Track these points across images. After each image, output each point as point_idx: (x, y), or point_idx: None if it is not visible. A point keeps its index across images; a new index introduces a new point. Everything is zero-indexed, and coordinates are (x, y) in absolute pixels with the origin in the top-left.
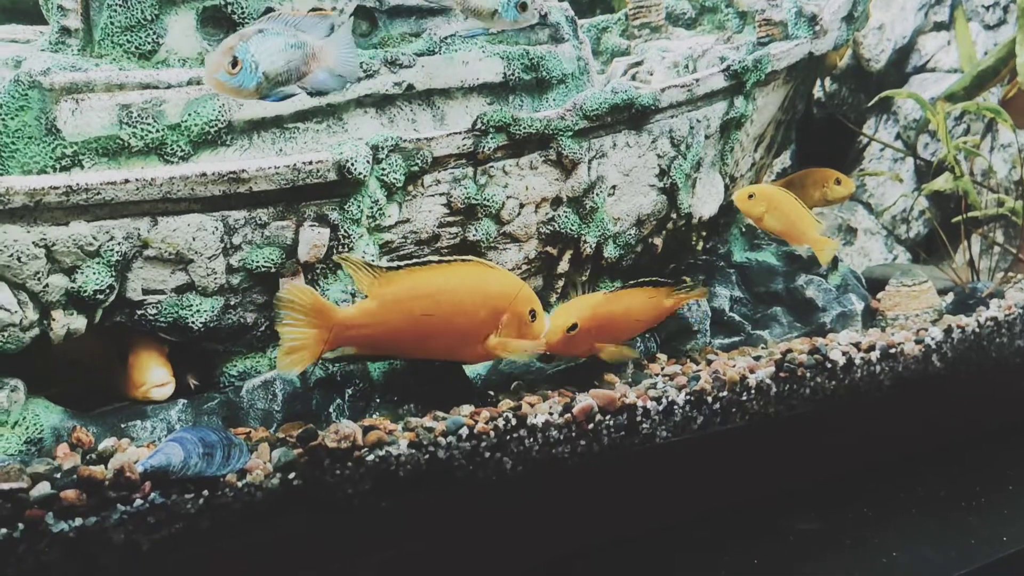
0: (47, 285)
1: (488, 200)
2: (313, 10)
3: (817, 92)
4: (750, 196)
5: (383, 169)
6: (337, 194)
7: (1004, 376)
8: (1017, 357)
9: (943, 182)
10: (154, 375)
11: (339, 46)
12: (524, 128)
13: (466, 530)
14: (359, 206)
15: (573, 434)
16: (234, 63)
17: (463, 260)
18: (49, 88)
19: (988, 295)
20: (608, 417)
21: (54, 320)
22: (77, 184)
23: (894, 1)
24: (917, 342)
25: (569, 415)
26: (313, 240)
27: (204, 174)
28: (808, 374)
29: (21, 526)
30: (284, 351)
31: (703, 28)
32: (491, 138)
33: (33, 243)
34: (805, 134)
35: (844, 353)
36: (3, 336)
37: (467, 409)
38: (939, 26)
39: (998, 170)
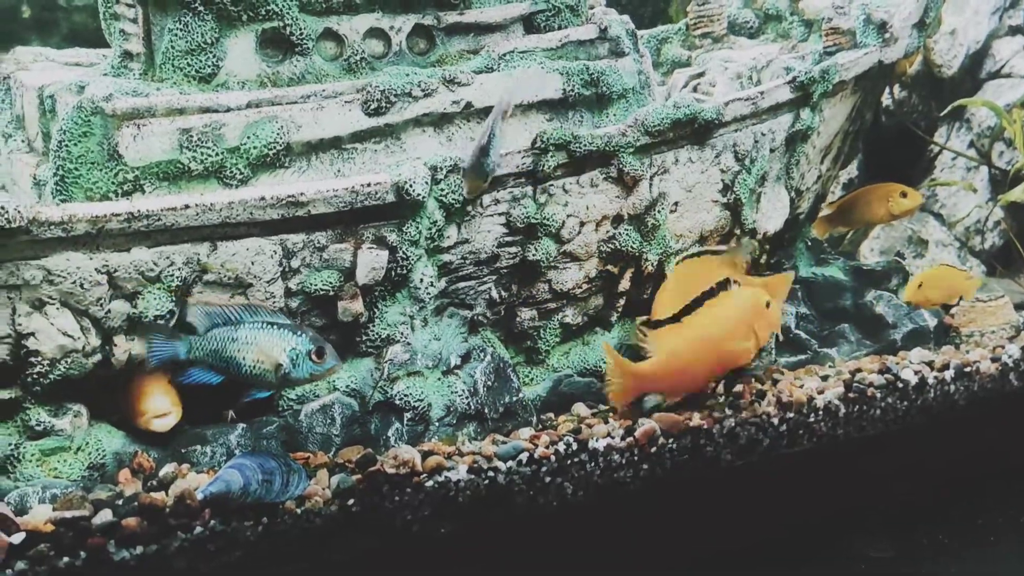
0: (109, 311)
1: (548, 219)
2: None
3: (886, 100)
4: (919, 286)
5: (442, 190)
6: (396, 216)
7: None
8: None
9: (1020, 192)
10: (155, 404)
11: None
12: (584, 146)
13: (526, 556)
14: (418, 228)
15: (635, 458)
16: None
17: (717, 291)
18: (111, 114)
19: None
20: (671, 440)
21: (116, 346)
22: (138, 211)
23: (967, 5)
24: (993, 360)
25: (631, 439)
26: (372, 263)
27: (263, 198)
28: (878, 395)
29: (83, 554)
30: (609, 391)
31: (767, 37)
32: (551, 156)
33: (95, 269)
34: (873, 144)
35: (916, 372)
36: (67, 362)
37: (527, 432)
38: (1015, 30)
39: None
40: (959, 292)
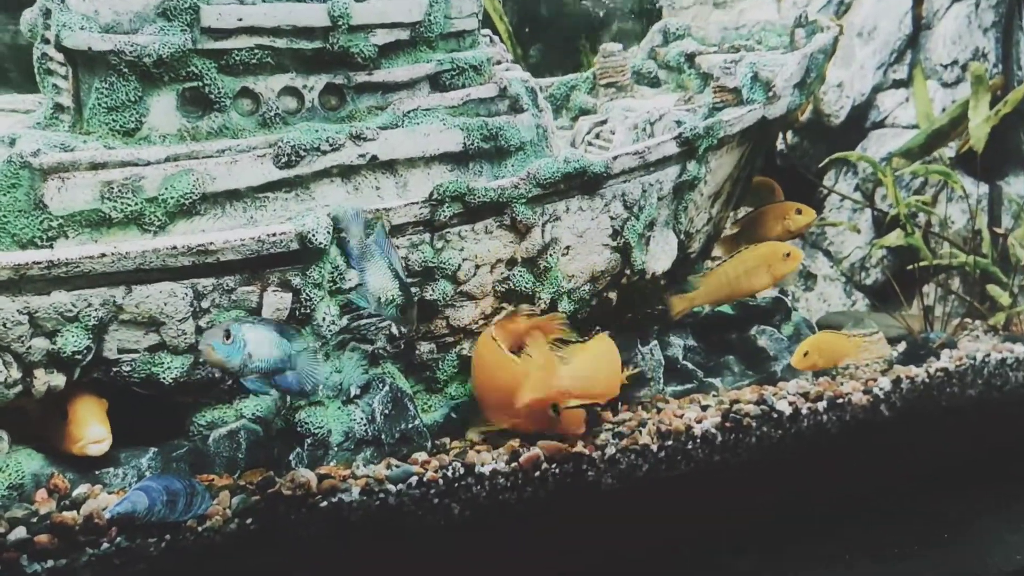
0: (30, 347)
1: (444, 263)
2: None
3: (780, 145)
4: (805, 354)
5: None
6: (300, 261)
7: (955, 425)
8: (969, 407)
9: (894, 239)
10: (91, 431)
11: (305, 363)
12: (479, 197)
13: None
14: (320, 272)
15: (520, 481)
16: (227, 335)
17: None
18: (38, 168)
19: (940, 345)
20: (555, 465)
21: (36, 378)
22: (57, 259)
23: (854, 60)
24: (865, 392)
25: (516, 464)
26: (276, 304)
27: (175, 247)
28: (754, 424)
29: None
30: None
31: (667, 87)
32: (447, 207)
33: (17, 311)
34: None
35: (791, 403)
36: None
37: (421, 456)
38: (898, 83)
39: (956, 220)
40: (844, 356)
